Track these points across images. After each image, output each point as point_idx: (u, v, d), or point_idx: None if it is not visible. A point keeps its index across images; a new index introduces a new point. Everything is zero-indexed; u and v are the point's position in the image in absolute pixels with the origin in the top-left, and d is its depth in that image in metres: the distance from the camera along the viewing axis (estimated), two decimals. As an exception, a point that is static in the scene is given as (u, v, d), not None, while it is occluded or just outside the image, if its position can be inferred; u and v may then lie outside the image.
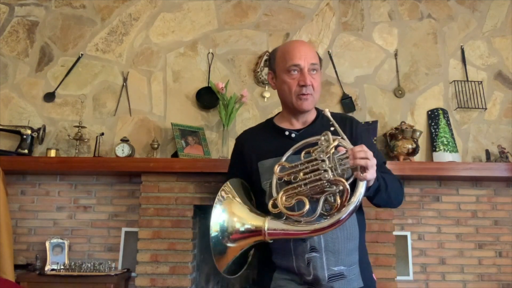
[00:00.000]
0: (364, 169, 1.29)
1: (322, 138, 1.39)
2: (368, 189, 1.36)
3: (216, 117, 3.15)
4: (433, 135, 3.10)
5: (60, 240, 2.92)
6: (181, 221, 2.79)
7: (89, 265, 2.77)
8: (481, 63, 3.30)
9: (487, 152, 3.09)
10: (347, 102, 3.18)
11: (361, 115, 3.16)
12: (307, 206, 1.33)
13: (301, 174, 1.36)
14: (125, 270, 2.89)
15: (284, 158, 1.45)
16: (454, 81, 3.23)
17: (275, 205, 1.38)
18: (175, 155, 2.96)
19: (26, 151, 2.98)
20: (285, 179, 1.41)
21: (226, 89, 3.08)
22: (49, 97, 3.18)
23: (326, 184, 1.32)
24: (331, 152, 1.34)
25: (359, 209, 1.52)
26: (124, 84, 3.20)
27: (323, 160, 1.33)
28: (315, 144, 1.42)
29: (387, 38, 3.32)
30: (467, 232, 3.00)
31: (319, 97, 1.63)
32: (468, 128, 3.19)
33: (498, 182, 3.05)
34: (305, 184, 1.35)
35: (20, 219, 3.02)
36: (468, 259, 2.97)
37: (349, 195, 1.30)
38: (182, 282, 2.72)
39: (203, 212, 2.99)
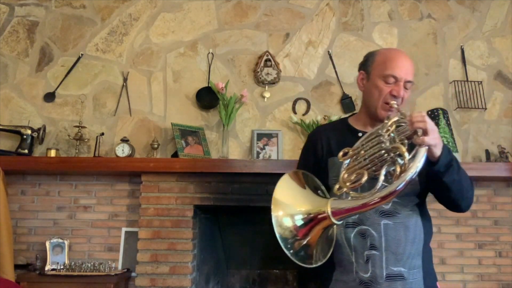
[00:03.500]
0: (423, 133, 1.26)
1: (385, 121, 1.36)
2: (436, 162, 1.32)
3: (216, 117, 3.15)
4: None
5: (60, 240, 2.92)
6: (181, 221, 2.79)
7: (89, 265, 2.77)
8: (481, 63, 3.30)
9: (487, 152, 3.09)
10: (347, 102, 3.18)
11: (361, 115, 3.15)
12: (365, 177, 1.30)
13: (362, 152, 1.34)
14: (125, 270, 2.89)
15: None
16: (454, 81, 3.23)
17: (340, 188, 1.36)
18: (175, 155, 2.96)
19: (26, 151, 2.98)
20: (351, 161, 1.38)
21: (226, 89, 3.08)
22: (49, 97, 3.18)
23: (385, 153, 1.28)
24: (391, 127, 1.31)
25: (424, 215, 1.50)
26: (124, 84, 3.20)
27: (380, 135, 1.31)
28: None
29: (387, 38, 3.32)
30: (467, 232, 3.00)
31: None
32: (468, 128, 3.19)
33: (498, 182, 3.05)
34: (365, 159, 1.32)
35: (20, 219, 3.02)
36: (468, 259, 2.97)
37: (408, 162, 1.24)
38: (182, 282, 2.73)
39: (203, 211, 2.99)
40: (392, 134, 1.30)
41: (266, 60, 3.20)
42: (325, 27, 3.32)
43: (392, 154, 1.28)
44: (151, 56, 3.26)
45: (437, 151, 1.32)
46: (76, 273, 2.71)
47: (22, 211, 3.03)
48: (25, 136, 3.00)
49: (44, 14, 3.32)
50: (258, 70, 3.19)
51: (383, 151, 1.28)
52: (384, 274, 1.40)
